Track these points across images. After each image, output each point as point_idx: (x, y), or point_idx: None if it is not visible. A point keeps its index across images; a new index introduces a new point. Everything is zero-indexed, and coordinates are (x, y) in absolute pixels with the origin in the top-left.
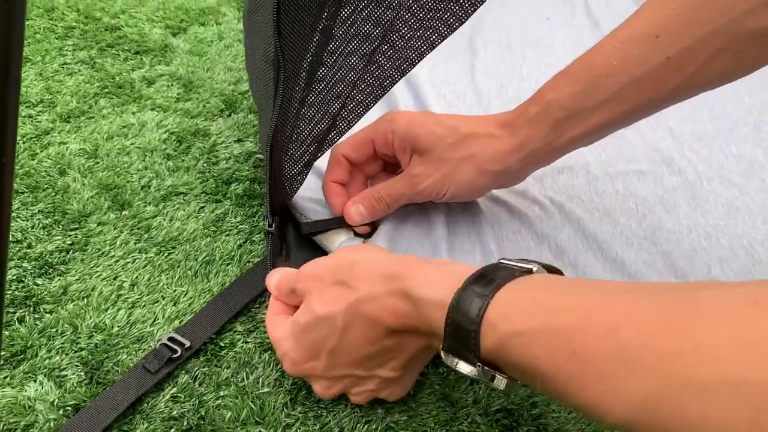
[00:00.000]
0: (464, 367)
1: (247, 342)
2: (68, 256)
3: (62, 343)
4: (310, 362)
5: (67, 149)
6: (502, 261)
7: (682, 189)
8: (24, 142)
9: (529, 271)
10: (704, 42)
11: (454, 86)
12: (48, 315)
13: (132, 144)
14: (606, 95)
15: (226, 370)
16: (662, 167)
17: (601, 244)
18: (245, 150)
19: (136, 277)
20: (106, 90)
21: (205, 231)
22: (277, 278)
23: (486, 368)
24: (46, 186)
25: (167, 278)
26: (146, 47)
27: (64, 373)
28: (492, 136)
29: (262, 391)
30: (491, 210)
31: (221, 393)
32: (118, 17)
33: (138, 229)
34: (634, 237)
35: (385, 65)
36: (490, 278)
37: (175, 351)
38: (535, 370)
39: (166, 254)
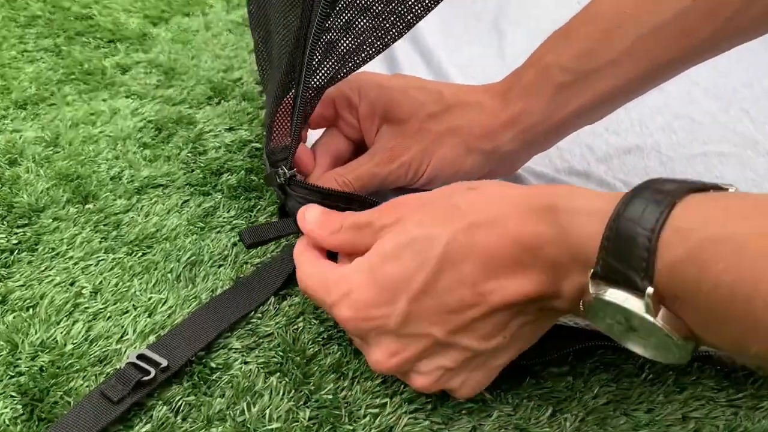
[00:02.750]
0: (621, 298)
1: (246, 362)
2: (12, 257)
3: None
4: (383, 307)
5: (20, 137)
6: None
7: None
8: None
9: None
10: None
11: (482, 68)
12: None
13: (101, 132)
14: (617, 52)
15: (219, 399)
16: (746, 150)
17: None
18: (239, 138)
19: (100, 282)
20: (72, 77)
21: (190, 227)
22: (317, 212)
23: (655, 296)
24: None
25: (140, 283)
26: (122, 36)
27: None
28: (481, 106)
29: (270, 427)
30: None
31: (213, 431)
32: (90, 7)
33: (104, 225)
34: None
35: None
36: (668, 185)
37: (147, 372)
38: (755, 289)
39: (139, 254)
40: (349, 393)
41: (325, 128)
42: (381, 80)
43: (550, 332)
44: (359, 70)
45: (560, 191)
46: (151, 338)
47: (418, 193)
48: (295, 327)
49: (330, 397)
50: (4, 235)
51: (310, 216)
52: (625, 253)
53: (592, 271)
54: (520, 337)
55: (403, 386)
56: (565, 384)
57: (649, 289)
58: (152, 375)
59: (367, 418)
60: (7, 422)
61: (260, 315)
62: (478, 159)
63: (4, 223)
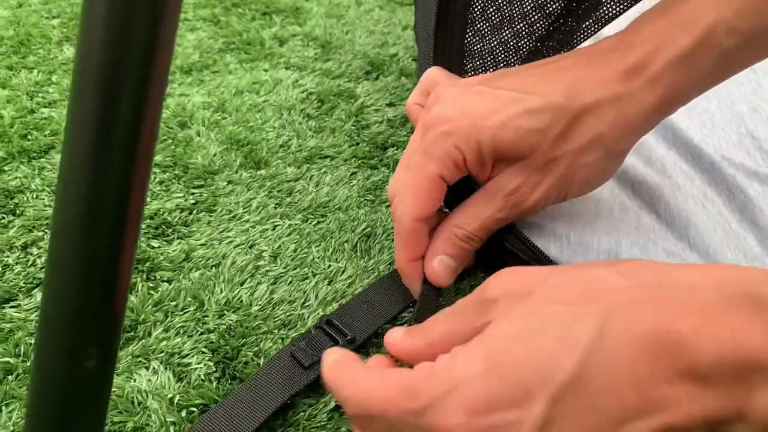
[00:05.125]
0: None
1: None
2: (191, 216)
3: (184, 322)
4: (512, 410)
5: (188, 101)
6: None
7: None
8: None
9: None
10: None
11: None
12: (165, 284)
13: (265, 101)
14: None
15: None
16: None
17: None
18: (400, 114)
19: (279, 246)
20: (233, 46)
21: (361, 200)
22: (401, 331)
23: None
24: (163, 137)
25: (318, 250)
26: (275, 8)
27: (186, 360)
28: (620, 98)
29: None
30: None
31: None
32: None
33: (278, 191)
34: None
35: None
36: None
37: (336, 341)
38: None
39: (314, 222)
40: None
41: None
42: (471, 119)
43: None
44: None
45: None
46: (333, 306)
47: (531, 267)
48: None
49: None
50: (182, 194)
51: (397, 335)
52: None
53: None
54: None
55: None
56: None
57: None
58: (339, 344)
59: None
60: (202, 377)
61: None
62: (623, 158)
63: (181, 182)
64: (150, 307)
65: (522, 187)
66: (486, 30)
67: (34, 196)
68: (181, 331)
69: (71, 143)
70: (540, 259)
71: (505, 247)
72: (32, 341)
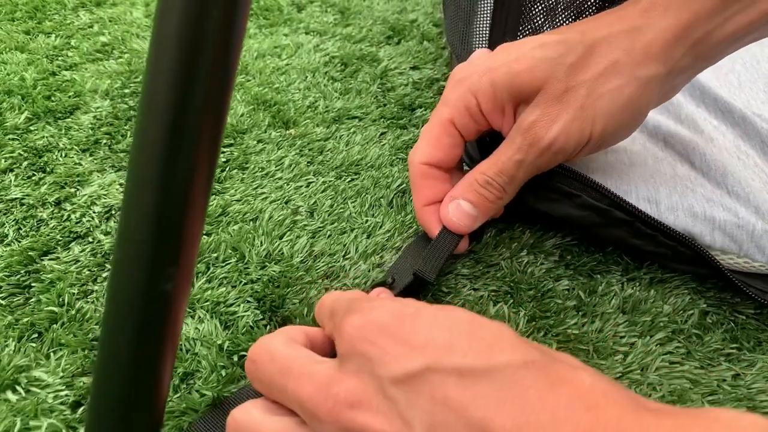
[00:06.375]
0: None
1: (476, 289)
2: (224, 173)
3: (227, 273)
4: (397, 347)
5: None
6: None
7: None
8: None
9: None
10: None
11: None
12: (204, 237)
13: (288, 64)
14: None
15: None
16: None
17: None
18: (425, 76)
19: (314, 202)
20: (251, 12)
21: (393, 158)
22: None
23: None
24: None
25: (354, 206)
26: None
27: (232, 309)
28: (637, 29)
29: None
30: None
31: None
32: None
33: (309, 150)
34: None
35: None
36: None
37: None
38: None
39: (348, 179)
40: (591, 328)
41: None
42: (487, 63)
43: None
44: (462, 66)
45: None
46: (374, 258)
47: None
48: (520, 260)
49: (576, 332)
50: None
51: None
52: None
53: None
54: None
55: (652, 328)
56: None
57: None
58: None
59: (619, 357)
60: (251, 324)
61: (481, 246)
62: (655, 89)
63: None
64: None
65: (539, 120)
66: (539, 19)
67: (63, 155)
68: (224, 282)
69: (154, 71)
70: (588, 189)
71: (556, 187)
72: (74, 291)
